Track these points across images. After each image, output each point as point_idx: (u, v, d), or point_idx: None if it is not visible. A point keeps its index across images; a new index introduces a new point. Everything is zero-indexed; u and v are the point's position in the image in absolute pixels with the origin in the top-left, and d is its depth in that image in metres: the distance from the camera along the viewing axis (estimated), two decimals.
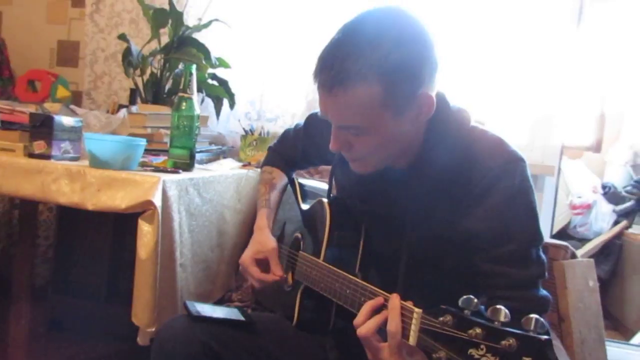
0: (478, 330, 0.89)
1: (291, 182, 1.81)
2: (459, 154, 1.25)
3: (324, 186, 1.84)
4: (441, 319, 0.95)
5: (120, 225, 2.90)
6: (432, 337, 0.97)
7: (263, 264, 1.55)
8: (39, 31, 3.22)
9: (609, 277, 4.14)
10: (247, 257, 1.56)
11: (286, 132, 1.83)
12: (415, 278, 1.27)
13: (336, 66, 1.14)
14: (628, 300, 3.99)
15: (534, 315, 0.85)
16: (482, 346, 0.88)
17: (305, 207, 1.69)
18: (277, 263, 1.53)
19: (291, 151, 1.78)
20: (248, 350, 1.45)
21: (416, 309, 1.03)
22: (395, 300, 1.09)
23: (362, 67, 1.13)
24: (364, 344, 1.13)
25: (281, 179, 1.77)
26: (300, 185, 1.81)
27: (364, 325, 1.11)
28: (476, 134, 1.29)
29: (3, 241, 3.08)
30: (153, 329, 1.64)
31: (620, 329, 3.88)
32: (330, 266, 1.36)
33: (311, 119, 1.70)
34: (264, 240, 1.58)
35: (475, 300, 0.92)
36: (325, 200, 1.53)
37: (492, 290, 1.20)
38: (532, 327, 0.84)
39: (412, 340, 1.02)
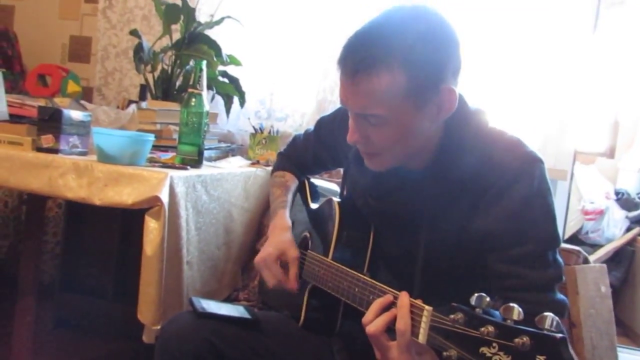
0: (490, 328, 0.87)
1: (301, 182, 1.80)
2: (477, 154, 1.23)
3: (334, 187, 1.83)
4: (452, 316, 0.93)
5: (128, 222, 2.89)
6: (443, 335, 0.96)
7: (281, 266, 1.52)
8: (51, 26, 3.23)
9: (621, 283, 4.11)
10: (271, 254, 1.51)
11: (296, 138, 1.82)
12: (431, 279, 1.25)
13: (361, 53, 1.15)
14: (639, 307, 3.95)
15: (548, 314, 0.83)
16: (494, 344, 0.86)
17: (314, 206, 1.68)
18: (297, 273, 1.49)
19: (302, 156, 1.76)
20: (253, 349, 1.43)
21: (426, 307, 1.01)
22: (404, 298, 1.07)
23: (387, 56, 1.13)
24: (372, 343, 1.11)
25: (294, 182, 1.75)
26: (310, 184, 1.80)
27: (373, 323, 1.10)
28: (494, 135, 1.27)
29: (11, 237, 3.08)
30: (158, 327, 1.63)
31: (631, 336, 3.85)
32: (339, 264, 1.34)
33: (322, 122, 1.70)
34: (289, 244, 1.53)
35: (488, 298, 0.90)
36: (335, 199, 1.52)
37: (507, 292, 1.17)
38: (546, 326, 0.82)
39: (421, 338, 1.01)
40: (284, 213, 1.63)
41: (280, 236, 1.55)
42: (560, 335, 0.81)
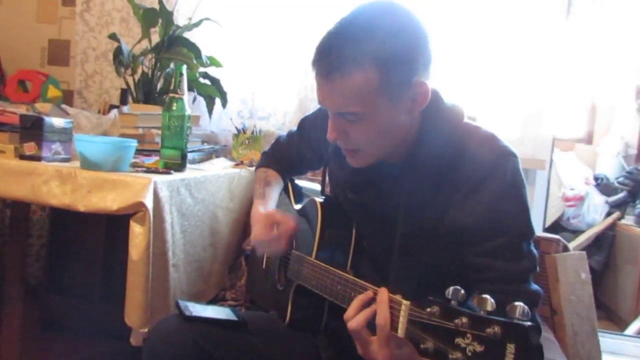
0: (464, 320, 0.90)
1: (285, 183, 1.82)
2: (451, 149, 1.26)
3: (317, 187, 1.85)
4: (428, 309, 0.96)
5: (114, 224, 2.89)
6: (420, 328, 0.98)
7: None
8: (29, 30, 3.20)
9: (602, 268, 4.18)
10: (261, 231, 1.52)
11: (279, 138, 1.85)
12: (408, 272, 1.28)
13: (333, 53, 1.18)
14: (621, 290, 4.02)
15: (518, 303, 0.86)
16: (467, 335, 0.89)
17: (297, 206, 1.70)
18: (287, 215, 1.51)
19: (286, 156, 1.78)
20: (240, 350, 1.45)
21: (404, 301, 1.04)
22: (383, 293, 1.10)
23: (359, 53, 1.16)
24: (354, 338, 1.14)
25: (276, 178, 1.77)
26: (294, 185, 1.82)
27: (354, 319, 1.12)
28: (469, 130, 1.30)
29: None
30: (146, 330, 1.64)
31: (614, 319, 3.91)
32: (322, 263, 1.37)
33: (304, 121, 1.72)
34: (262, 213, 1.56)
35: (462, 291, 0.93)
36: (317, 199, 1.54)
37: (483, 284, 1.21)
38: (517, 315, 0.86)
39: (400, 332, 1.04)
40: (257, 203, 1.65)
41: (256, 217, 1.57)
42: (529, 323, 0.85)
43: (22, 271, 2.24)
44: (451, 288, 0.94)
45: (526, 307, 0.86)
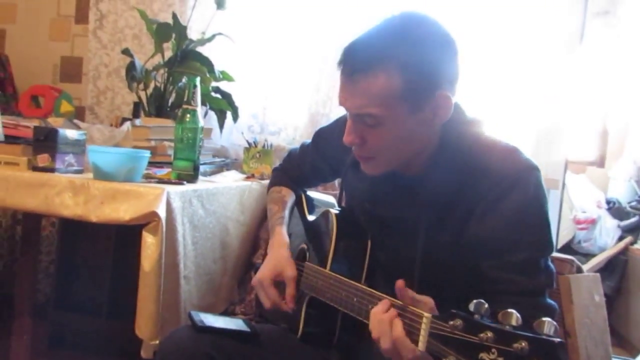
0: (489, 334, 0.87)
1: (298, 196, 1.80)
2: (472, 162, 1.25)
3: (330, 199, 1.84)
4: (451, 322, 0.94)
5: (122, 240, 2.89)
6: (442, 342, 0.96)
7: (278, 285, 1.51)
8: (42, 48, 3.24)
9: (614, 293, 4.12)
10: (267, 276, 1.49)
11: (291, 152, 1.84)
12: (429, 286, 1.26)
13: (359, 53, 1.19)
14: (633, 316, 3.96)
15: (546, 319, 0.84)
16: (493, 350, 0.86)
17: (311, 218, 1.68)
18: (294, 293, 1.47)
19: (299, 168, 1.77)
20: None
21: (426, 314, 1.02)
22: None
23: (385, 56, 1.16)
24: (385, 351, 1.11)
25: (291, 197, 1.75)
26: (307, 197, 1.81)
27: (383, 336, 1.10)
28: (490, 143, 1.29)
29: (5, 257, 3.07)
30: (156, 342, 1.62)
31: (625, 346, 3.84)
32: (337, 275, 1.35)
33: (320, 133, 1.71)
34: (285, 263, 1.51)
35: (486, 304, 0.91)
36: (332, 210, 1.53)
37: (500, 296, 1.18)
38: (545, 331, 0.83)
39: (421, 345, 1.01)
40: (281, 229, 1.62)
41: (277, 254, 1.55)
42: (558, 339, 0.82)
43: (32, 286, 2.23)
44: (474, 301, 0.92)
45: (554, 323, 0.83)
